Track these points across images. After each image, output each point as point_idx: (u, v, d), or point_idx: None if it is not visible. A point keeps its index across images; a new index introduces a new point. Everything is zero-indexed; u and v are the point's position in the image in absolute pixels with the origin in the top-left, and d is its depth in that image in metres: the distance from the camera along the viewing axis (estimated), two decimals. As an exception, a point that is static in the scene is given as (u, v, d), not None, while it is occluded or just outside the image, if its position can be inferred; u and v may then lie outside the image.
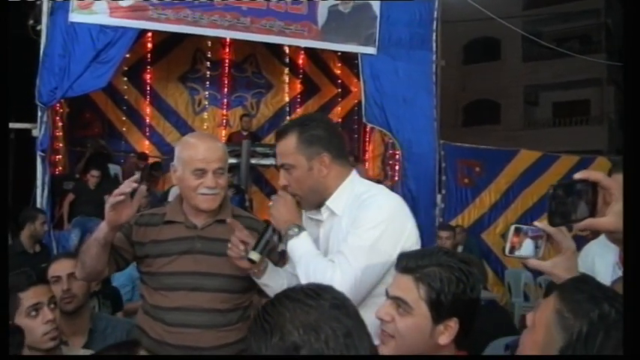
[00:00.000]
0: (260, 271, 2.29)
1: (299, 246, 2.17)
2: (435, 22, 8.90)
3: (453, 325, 1.63)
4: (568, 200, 1.20)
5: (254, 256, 2.19)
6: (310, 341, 1.13)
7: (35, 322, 2.28)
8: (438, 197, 9.27)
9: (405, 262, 1.68)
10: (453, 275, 1.62)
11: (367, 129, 11.57)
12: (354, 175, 2.30)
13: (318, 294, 1.22)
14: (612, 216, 1.16)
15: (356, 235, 2.10)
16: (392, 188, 9.67)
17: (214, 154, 2.40)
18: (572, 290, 1.28)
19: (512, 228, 1.28)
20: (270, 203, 2.27)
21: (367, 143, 12.20)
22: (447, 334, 1.63)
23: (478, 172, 9.64)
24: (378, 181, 9.48)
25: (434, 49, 8.90)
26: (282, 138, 2.25)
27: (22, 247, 5.73)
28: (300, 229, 2.21)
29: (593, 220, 1.20)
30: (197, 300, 2.36)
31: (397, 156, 9.52)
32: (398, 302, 1.65)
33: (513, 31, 13.09)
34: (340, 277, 2.01)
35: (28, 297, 2.32)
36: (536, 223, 1.37)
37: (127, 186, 2.25)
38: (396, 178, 9.64)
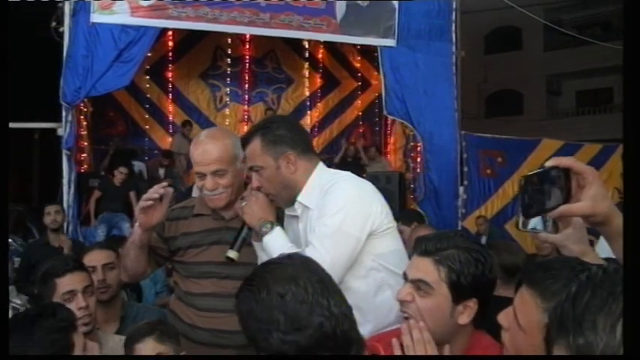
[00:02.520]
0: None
1: (273, 241, 2.24)
2: (454, 13, 8.86)
3: (472, 305, 1.68)
4: (541, 189, 1.19)
5: (232, 254, 2.28)
6: (292, 289, 1.30)
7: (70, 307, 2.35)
8: (460, 188, 9.25)
9: (424, 246, 1.72)
10: (471, 257, 1.67)
11: (388, 121, 11.58)
12: (320, 167, 2.38)
13: (290, 256, 1.46)
14: (587, 200, 1.17)
15: (321, 223, 2.18)
16: (414, 180, 9.79)
17: (209, 157, 2.44)
18: (543, 279, 1.32)
19: (522, 182, 1.28)
20: (243, 203, 2.33)
21: (388, 136, 12.20)
22: (466, 313, 1.68)
23: (500, 162, 9.59)
24: (400, 174, 9.58)
25: (453, 39, 8.86)
26: (248, 143, 2.33)
27: (46, 239, 5.89)
28: (273, 225, 2.28)
29: (568, 205, 1.20)
30: (227, 287, 2.43)
31: (419, 148, 9.50)
32: (418, 284, 1.70)
33: (534, 19, 12.96)
34: None
35: (64, 283, 2.40)
36: None
37: (155, 191, 2.35)
38: (418, 170, 9.63)
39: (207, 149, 2.46)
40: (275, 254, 2.11)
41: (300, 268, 1.37)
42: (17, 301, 4.80)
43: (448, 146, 8.98)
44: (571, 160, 1.20)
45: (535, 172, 1.20)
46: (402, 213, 5.61)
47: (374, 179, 2.31)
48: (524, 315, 1.36)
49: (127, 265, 2.57)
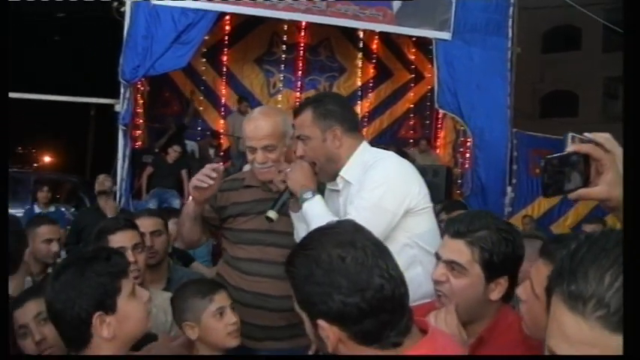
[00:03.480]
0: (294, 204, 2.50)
1: (312, 208, 2.37)
2: (511, 8, 8.76)
3: (503, 282, 1.77)
4: (561, 171, 1.25)
5: (271, 214, 2.41)
6: (351, 252, 1.31)
7: None
8: (508, 187, 9.18)
9: (456, 227, 1.80)
10: (501, 236, 1.75)
11: (439, 115, 11.51)
12: (364, 145, 2.50)
13: (340, 223, 1.48)
14: (604, 185, 1.22)
15: (360, 196, 2.30)
16: (462, 176, 9.75)
17: (260, 132, 2.60)
18: (556, 249, 1.37)
19: (542, 163, 1.31)
20: (288, 169, 2.45)
21: (439, 130, 12.12)
22: (497, 290, 1.78)
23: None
24: (448, 168, 9.56)
25: (510, 35, 8.77)
26: (300, 113, 2.48)
27: (97, 205, 6.31)
28: (314, 193, 2.40)
29: (585, 189, 1.25)
30: (271, 254, 2.59)
31: (468, 143, 9.46)
32: (452, 265, 1.78)
33: (594, 19, 12.68)
34: None
35: (115, 240, 2.57)
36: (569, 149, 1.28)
37: (209, 174, 2.52)
38: (467, 166, 9.60)
39: (259, 125, 2.61)
40: (314, 221, 2.27)
41: (354, 233, 1.38)
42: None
43: (498, 143, 8.91)
44: (591, 147, 1.24)
45: (556, 155, 1.26)
46: (445, 202, 5.62)
47: (421, 171, 2.42)
48: (539, 283, 1.42)
49: (183, 235, 2.83)
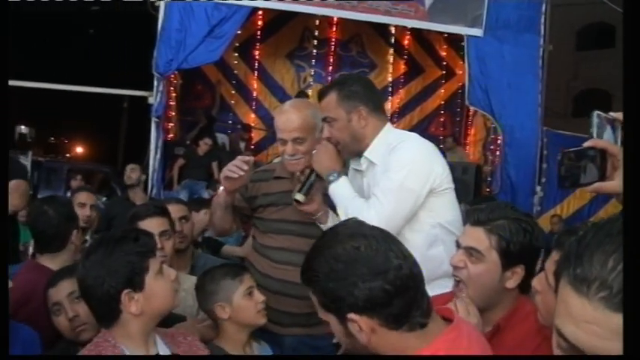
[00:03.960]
0: (322, 216, 2.59)
1: (338, 188, 2.47)
2: (544, 5, 8.67)
3: (520, 271, 1.82)
4: (578, 165, 1.28)
5: (299, 196, 2.50)
6: (363, 242, 1.39)
7: None
8: (538, 186, 9.11)
9: (477, 216, 1.87)
10: (520, 226, 1.81)
11: (470, 112, 11.48)
12: (388, 126, 2.59)
13: (345, 221, 1.59)
14: (618, 180, 1.25)
15: (386, 177, 2.38)
16: (491, 174, 9.69)
17: (290, 124, 2.67)
18: (566, 240, 1.41)
19: (561, 155, 1.35)
20: (314, 151, 2.52)
21: (469, 127, 12.09)
22: (513, 279, 1.83)
23: (582, 162, 9.34)
24: (478, 166, 9.52)
25: (542, 32, 8.69)
26: (325, 95, 2.56)
27: (126, 195, 6.53)
28: (340, 174, 2.50)
29: (600, 183, 1.28)
30: (300, 244, 2.66)
31: (499, 141, 9.41)
32: (470, 251, 1.84)
33: (630, 17, 12.45)
34: (375, 215, 2.28)
35: (143, 226, 2.65)
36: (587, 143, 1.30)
37: (240, 164, 2.61)
38: (496, 164, 9.55)
39: (289, 118, 2.69)
40: (341, 201, 2.41)
41: (360, 226, 1.47)
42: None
43: (529, 141, 8.84)
44: (607, 143, 1.28)
45: (573, 149, 1.30)
46: (476, 199, 5.62)
47: (451, 168, 2.50)
48: (553, 274, 1.47)
49: (214, 223, 2.95)
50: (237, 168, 2.61)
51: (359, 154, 2.58)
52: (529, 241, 1.81)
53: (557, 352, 0.95)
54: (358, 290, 1.35)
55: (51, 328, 2.46)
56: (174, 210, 3.18)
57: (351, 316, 1.37)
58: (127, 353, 1.83)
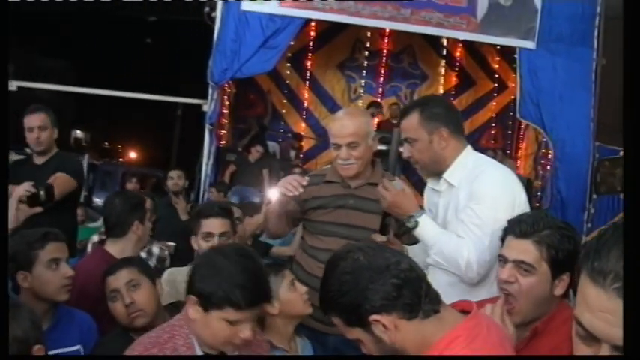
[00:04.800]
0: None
1: (425, 230, 2.49)
2: (597, 18, 8.55)
3: (566, 278, 1.90)
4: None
5: (378, 238, 2.58)
6: (358, 253, 1.57)
7: (207, 244, 2.83)
8: (589, 203, 8.94)
9: (522, 228, 1.92)
10: (564, 235, 1.88)
11: (521, 126, 11.37)
12: (468, 149, 2.61)
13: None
14: None
15: (473, 211, 2.39)
16: (542, 189, 9.54)
17: (345, 130, 2.81)
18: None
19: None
20: (385, 195, 2.56)
21: (520, 141, 11.95)
22: (560, 286, 1.90)
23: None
24: (528, 180, 9.41)
25: (595, 46, 8.56)
26: (406, 115, 2.61)
27: (169, 200, 6.56)
28: (419, 214, 2.51)
29: None
30: None
31: (549, 156, 9.28)
32: (520, 264, 1.89)
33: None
34: (476, 254, 2.33)
35: (205, 224, 2.94)
36: None
37: (297, 186, 2.80)
38: (547, 179, 9.42)
39: (344, 124, 2.80)
40: (431, 241, 2.45)
41: (350, 246, 1.65)
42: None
43: (580, 157, 8.67)
44: None
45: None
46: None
47: None
48: None
49: (269, 228, 3.15)
50: (293, 187, 2.74)
51: (437, 175, 2.62)
52: (573, 247, 1.87)
53: (575, 339, 1.03)
54: (370, 292, 1.49)
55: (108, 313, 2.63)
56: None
57: (373, 317, 1.49)
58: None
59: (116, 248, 3.13)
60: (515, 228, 1.94)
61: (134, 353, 1.92)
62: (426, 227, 2.49)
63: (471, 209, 2.41)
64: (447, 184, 2.57)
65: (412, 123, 2.56)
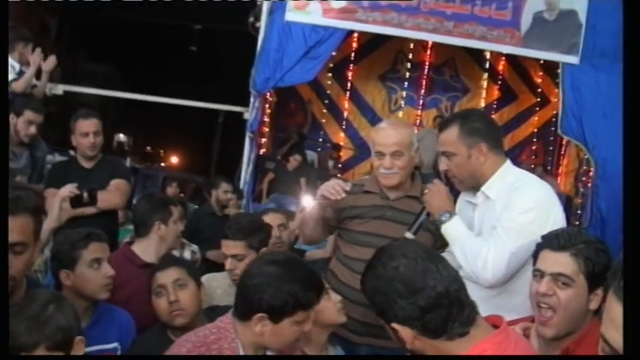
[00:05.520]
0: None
1: (452, 228, 2.50)
2: (643, 34, 8.40)
3: (600, 292, 1.90)
4: None
5: (409, 235, 2.58)
6: (403, 262, 1.58)
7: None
8: (630, 222, 8.76)
9: (559, 241, 1.93)
10: (599, 249, 1.91)
11: (563, 142, 11.22)
12: (508, 163, 2.58)
13: (397, 239, 1.83)
14: None
15: (508, 217, 2.38)
16: (582, 206, 9.38)
17: (390, 139, 2.82)
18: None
19: None
20: (426, 191, 2.59)
21: (562, 157, 11.80)
22: (595, 300, 1.90)
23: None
24: (568, 198, 9.26)
25: (640, 63, 8.40)
26: (446, 128, 2.59)
27: (212, 209, 6.48)
28: (452, 214, 2.53)
29: None
30: None
31: (591, 173, 9.16)
32: (558, 277, 1.90)
33: None
34: (495, 254, 2.31)
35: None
36: None
37: (340, 190, 2.80)
38: (587, 197, 9.28)
39: (389, 133, 2.84)
40: (456, 240, 2.44)
41: (407, 246, 1.63)
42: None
43: (622, 175, 8.51)
44: None
45: None
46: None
47: None
48: None
49: (305, 234, 3.17)
50: (336, 192, 2.76)
51: (474, 189, 2.60)
52: (607, 262, 1.88)
53: (601, 354, 1.06)
54: (397, 306, 1.53)
55: (143, 311, 2.70)
56: (274, 219, 3.45)
57: (394, 325, 1.55)
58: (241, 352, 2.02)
59: (140, 247, 3.23)
60: (553, 241, 1.95)
61: (182, 350, 1.99)
62: (455, 224, 2.50)
63: (502, 215, 2.41)
64: (485, 196, 2.55)
65: (451, 136, 2.55)
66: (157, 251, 3.19)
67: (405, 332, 1.54)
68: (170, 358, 2.03)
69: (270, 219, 3.41)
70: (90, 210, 3.83)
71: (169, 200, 3.49)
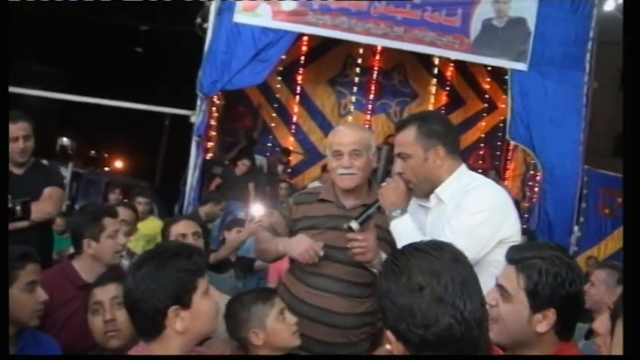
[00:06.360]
0: (377, 263, 2.49)
1: (401, 225, 2.40)
2: (590, 43, 8.58)
3: (551, 315, 1.74)
4: None
5: (354, 224, 2.46)
6: (432, 284, 1.32)
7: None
8: (575, 226, 8.94)
9: (512, 254, 1.83)
10: (552, 268, 1.73)
11: (510, 147, 11.38)
12: (463, 167, 2.50)
13: (441, 247, 1.41)
14: None
15: (457, 218, 2.29)
16: (529, 210, 9.53)
17: (349, 138, 2.70)
18: None
19: None
20: (383, 184, 2.48)
21: (509, 162, 11.97)
22: (544, 323, 1.74)
23: (621, 203, 9.15)
24: (516, 202, 9.37)
25: (587, 70, 8.58)
26: (403, 129, 2.49)
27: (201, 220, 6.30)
28: (403, 211, 2.42)
29: None
30: (338, 270, 2.64)
31: (538, 177, 9.29)
32: (501, 290, 1.80)
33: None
34: None
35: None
36: None
37: (314, 256, 2.63)
38: (535, 201, 9.41)
39: (347, 132, 2.73)
40: (403, 238, 2.30)
41: (447, 264, 1.36)
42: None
43: (569, 180, 8.68)
44: None
45: None
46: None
47: None
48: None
49: (259, 253, 3.01)
50: (310, 257, 2.61)
51: (429, 194, 2.49)
52: (560, 284, 1.72)
53: None
54: (401, 324, 1.34)
55: (82, 335, 2.49)
56: (186, 226, 3.28)
57: (389, 335, 1.38)
58: None
59: (79, 264, 2.93)
60: (509, 253, 1.85)
61: None
62: (405, 222, 2.39)
63: (452, 218, 2.32)
64: (438, 199, 2.45)
65: (408, 137, 2.45)
66: (93, 270, 2.85)
67: (397, 346, 1.37)
68: (174, 358, 1.87)
69: (183, 227, 3.20)
70: (23, 224, 3.52)
71: (104, 212, 3.07)
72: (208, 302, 1.88)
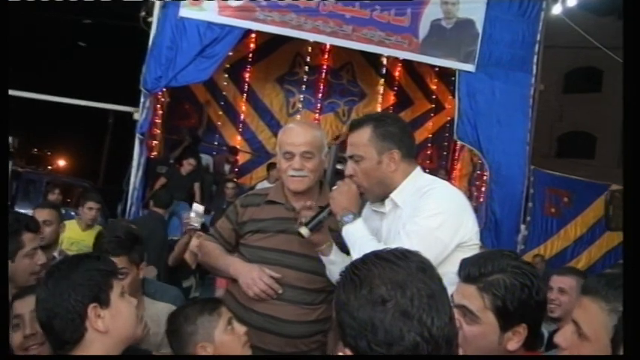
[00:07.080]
0: (326, 248, 2.39)
1: (354, 231, 2.25)
2: (537, 45, 8.71)
3: (522, 330, 1.61)
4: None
5: (304, 231, 2.31)
6: (397, 297, 1.14)
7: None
8: (522, 225, 9.06)
9: (468, 271, 1.66)
10: (517, 281, 1.60)
11: (457, 147, 11.47)
12: (418, 170, 2.38)
13: (406, 256, 1.24)
14: None
15: (413, 222, 2.17)
16: (476, 210, 9.62)
17: (301, 138, 2.54)
18: (600, 285, 1.25)
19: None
20: (334, 187, 2.36)
21: (455, 161, 12.08)
22: (515, 339, 1.62)
23: (566, 202, 9.33)
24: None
25: (534, 72, 8.71)
26: (357, 129, 2.35)
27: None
28: (356, 216, 2.29)
29: None
30: (287, 276, 2.50)
31: (485, 177, 9.39)
32: (464, 311, 1.64)
33: (617, 63, 12.62)
34: None
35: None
36: None
37: (271, 288, 2.52)
38: (481, 200, 9.50)
39: (299, 132, 2.57)
40: (356, 243, 2.19)
41: (413, 275, 1.20)
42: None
43: (515, 179, 8.81)
44: None
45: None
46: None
47: None
48: (588, 323, 1.31)
49: (176, 257, 2.75)
50: (255, 292, 2.49)
51: (382, 199, 2.38)
52: (528, 296, 1.59)
53: None
54: (360, 341, 1.16)
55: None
56: (40, 214, 3.17)
57: (345, 350, 1.20)
58: None
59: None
60: (463, 270, 1.69)
61: None
62: (357, 228, 2.25)
63: (408, 222, 2.20)
64: (393, 204, 2.33)
65: (362, 138, 2.31)
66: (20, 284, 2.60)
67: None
68: (171, 357, 1.81)
69: (37, 214, 3.12)
70: None
71: (24, 225, 2.56)
72: (128, 304, 1.80)
